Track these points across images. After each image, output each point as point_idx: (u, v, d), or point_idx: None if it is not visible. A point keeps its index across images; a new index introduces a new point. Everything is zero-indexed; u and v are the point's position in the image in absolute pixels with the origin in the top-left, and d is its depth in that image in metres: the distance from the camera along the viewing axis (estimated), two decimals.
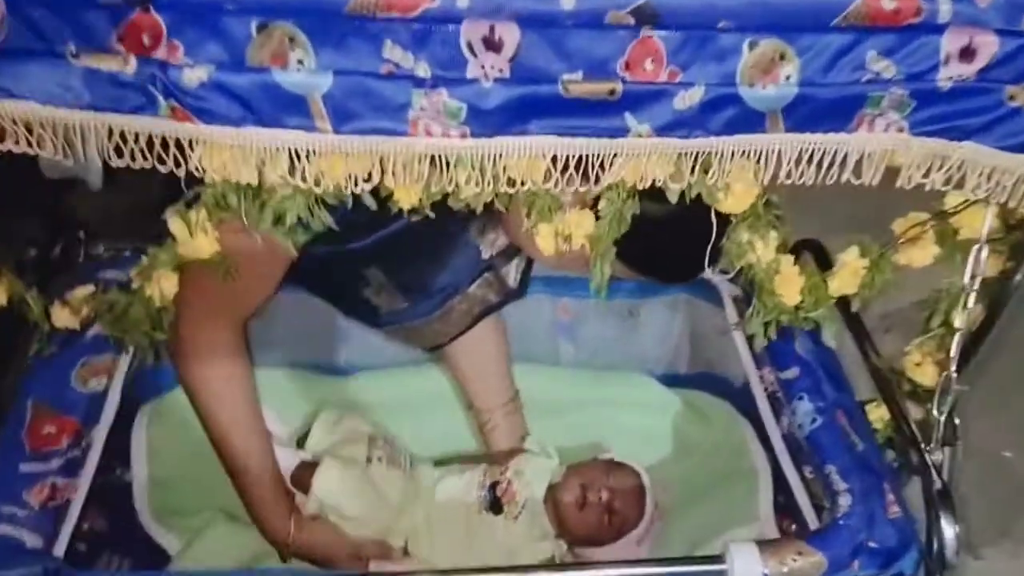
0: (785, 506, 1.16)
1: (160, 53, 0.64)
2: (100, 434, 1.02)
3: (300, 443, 1.28)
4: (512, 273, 1.28)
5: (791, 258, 1.05)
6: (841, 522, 0.93)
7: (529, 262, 1.25)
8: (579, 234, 0.85)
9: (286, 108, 0.67)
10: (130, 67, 0.64)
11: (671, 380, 1.48)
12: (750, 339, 1.14)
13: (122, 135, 0.67)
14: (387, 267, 1.18)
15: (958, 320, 0.95)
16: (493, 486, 1.21)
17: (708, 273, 1.04)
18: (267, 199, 0.77)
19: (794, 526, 1.12)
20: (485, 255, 1.23)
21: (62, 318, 0.99)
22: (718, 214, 0.91)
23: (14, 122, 0.66)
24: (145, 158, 0.68)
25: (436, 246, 1.19)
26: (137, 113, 0.66)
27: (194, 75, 0.64)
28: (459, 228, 1.17)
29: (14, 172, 0.88)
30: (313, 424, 1.29)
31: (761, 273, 1.03)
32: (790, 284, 1.02)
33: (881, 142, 0.74)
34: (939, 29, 0.70)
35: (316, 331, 1.44)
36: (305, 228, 0.82)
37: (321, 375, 1.44)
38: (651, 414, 1.44)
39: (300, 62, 0.65)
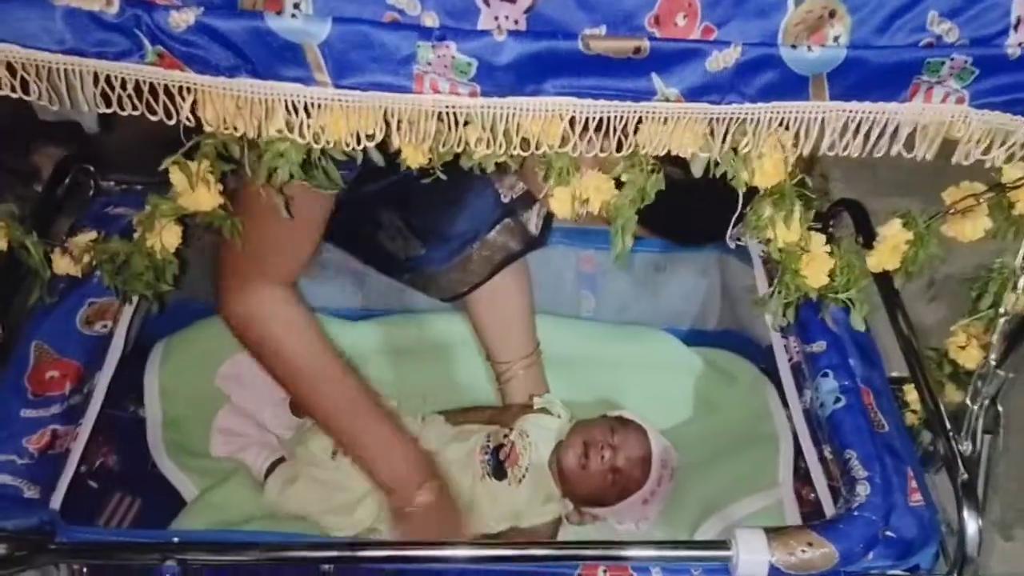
0: (807, 473, 1.11)
1: None
2: (103, 379, 1.00)
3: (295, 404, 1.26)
4: (533, 220, 1.22)
5: (822, 238, 0.98)
6: (856, 513, 0.88)
7: None
8: (597, 198, 0.79)
9: (282, 57, 0.61)
10: (113, 7, 0.59)
11: (697, 337, 1.43)
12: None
13: (108, 81, 0.62)
14: (403, 211, 1.13)
15: (1004, 304, 0.88)
16: (497, 450, 1.18)
17: (728, 240, 0.97)
18: (262, 152, 0.73)
19: (813, 495, 1.07)
20: (504, 199, 1.17)
21: (62, 266, 0.96)
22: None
23: None
24: (134, 107, 0.64)
25: (453, 189, 1.13)
26: (122, 59, 0.61)
27: (180, 18, 0.59)
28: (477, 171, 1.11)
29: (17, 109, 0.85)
30: None
31: (783, 253, 0.96)
32: (818, 264, 0.95)
33: (938, 113, 0.67)
34: None
35: (333, 274, 1.40)
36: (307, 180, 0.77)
37: (338, 319, 1.41)
38: (671, 371, 1.39)
39: (296, 6, 0.60)
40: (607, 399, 1.35)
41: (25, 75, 0.62)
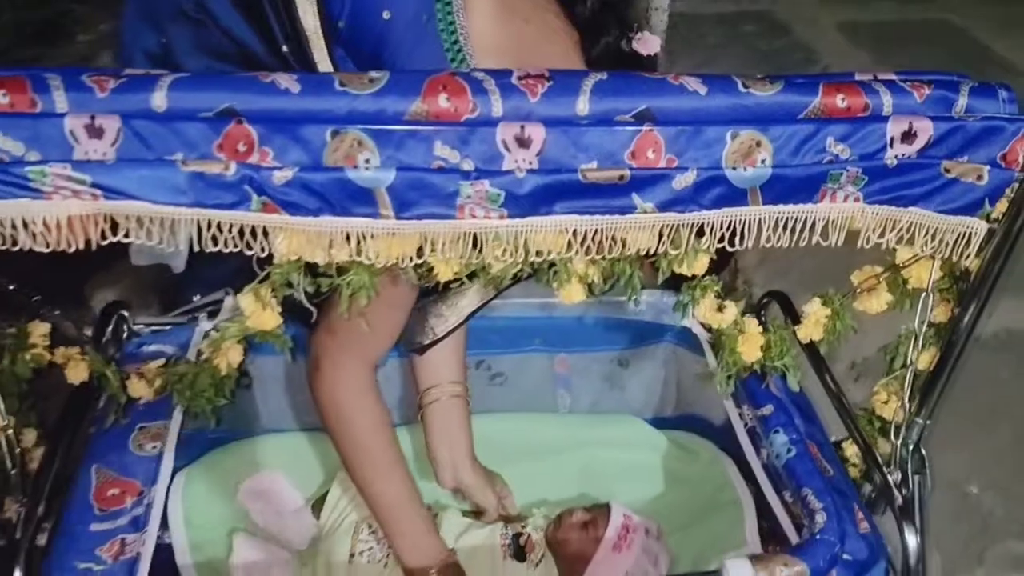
0: (771, 532, 1.30)
1: (253, 158, 0.78)
2: (160, 491, 1.11)
3: (316, 507, 1.37)
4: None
5: (755, 321, 1.21)
6: (819, 536, 1.06)
7: None
8: (595, 270, 0.98)
9: (355, 199, 0.80)
10: (230, 171, 0.77)
11: (659, 423, 1.60)
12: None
13: (219, 226, 0.80)
14: None
15: (910, 357, 1.10)
16: (516, 536, 1.33)
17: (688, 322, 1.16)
18: (338, 288, 0.91)
19: (779, 548, 1.24)
20: None
21: (138, 389, 1.09)
22: None
23: (126, 218, 0.79)
24: (235, 244, 0.81)
25: None
26: (234, 208, 0.79)
27: (282, 175, 0.78)
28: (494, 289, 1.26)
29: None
30: (328, 493, 1.37)
31: (724, 336, 1.19)
32: (752, 343, 1.19)
33: (842, 210, 0.89)
34: (884, 119, 0.86)
35: None
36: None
37: None
38: (641, 452, 1.55)
39: (367, 161, 0.79)
40: (586, 479, 1.50)
41: (151, 226, 0.79)
